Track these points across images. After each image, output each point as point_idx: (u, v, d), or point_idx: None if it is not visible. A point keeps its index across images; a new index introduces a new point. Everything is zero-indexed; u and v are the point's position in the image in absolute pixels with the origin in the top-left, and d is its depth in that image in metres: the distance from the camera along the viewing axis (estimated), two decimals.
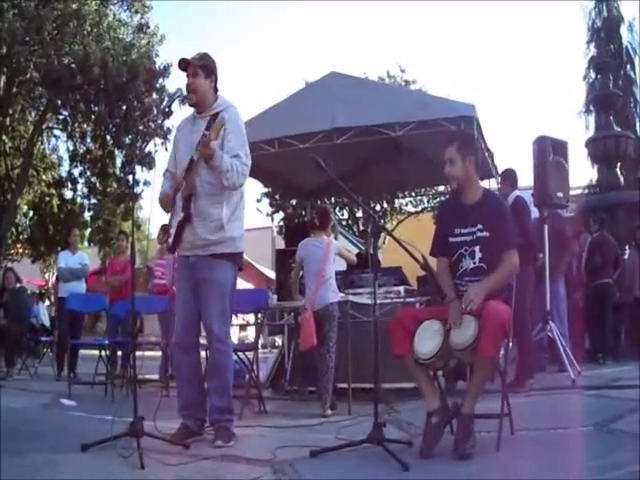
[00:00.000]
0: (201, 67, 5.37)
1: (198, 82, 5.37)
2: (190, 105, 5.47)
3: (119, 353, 10.58)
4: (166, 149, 22.66)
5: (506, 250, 4.78)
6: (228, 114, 5.34)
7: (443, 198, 6.77)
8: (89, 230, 25.39)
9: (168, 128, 22.68)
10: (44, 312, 16.72)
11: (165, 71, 23.35)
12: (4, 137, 24.09)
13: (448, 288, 4.82)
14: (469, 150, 4.98)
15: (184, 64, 5.39)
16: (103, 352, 9.42)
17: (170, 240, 5.48)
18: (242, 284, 5.79)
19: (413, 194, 22.44)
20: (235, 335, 8.87)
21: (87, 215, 25.22)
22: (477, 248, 4.82)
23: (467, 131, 8.58)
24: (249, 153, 5.42)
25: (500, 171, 9.70)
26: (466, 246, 4.88)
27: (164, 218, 5.72)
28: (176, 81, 24.32)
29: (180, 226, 5.34)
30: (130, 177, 22.77)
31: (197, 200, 5.27)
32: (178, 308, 5.50)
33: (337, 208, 24.80)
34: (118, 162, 24.68)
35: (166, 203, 5.48)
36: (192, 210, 5.26)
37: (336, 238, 8.29)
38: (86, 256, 12.64)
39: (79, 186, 25.38)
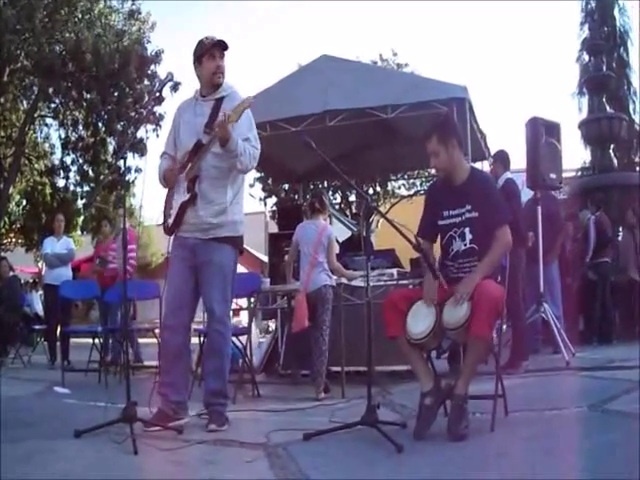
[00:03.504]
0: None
1: (224, 66, 5.40)
2: (216, 84, 5.42)
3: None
4: (157, 136, 22.69)
5: (498, 227, 4.75)
6: (236, 99, 5.31)
7: (434, 179, 6.83)
8: (82, 218, 25.31)
9: (160, 114, 22.66)
10: (37, 301, 16.70)
11: (157, 57, 23.30)
12: None
13: (429, 267, 4.80)
14: (449, 135, 4.93)
15: (223, 46, 5.39)
16: (97, 339, 9.39)
17: (170, 221, 5.45)
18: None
19: (406, 177, 22.41)
20: None
21: (80, 203, 25.17)
22: (467, 229, 4.81)
23: (442, 114, 8.56)
24: (258, 137, 5.43)
25: (493, 153, 9.68)
26: (455, 228, 4.86)
27: (156, 205, 5.70)
28: (167, 67, 24.24)
29: (183, 207, 5.31)
30: (121, 164, 22.73)
31: (202, 183, 5.25)
32: (170, 290, 5.45)
33: (330, 191, 24.80)
34: (110, 149, 24.63)
35: (170, 177, 5.44)
36: (197, 191, 5.25)
37: (331, 223, 8.29)
38: (71, 241, 12.60)
39: (71, 174, 25.34)
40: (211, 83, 5.43)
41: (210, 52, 5.35)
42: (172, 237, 5.53)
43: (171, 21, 74.22)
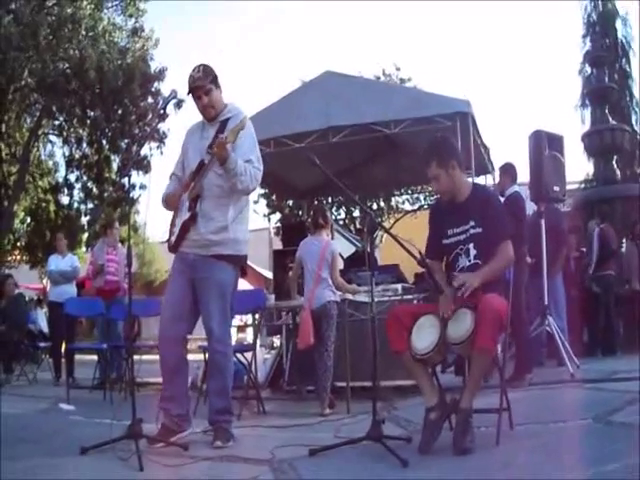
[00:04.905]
0: (211, 82, 5.39)
1: (214, 98, 5.42)
2: (209, 120, 5.48)
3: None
4: (161, 153, 22.74)
5: (500, 242, 4.76)
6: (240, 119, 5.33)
7: (437, 196, 6.76)
8: (86, 235, 25.29)
9: (164, 131, 22.70)
10: (42, 318, 16.69)
11: (160, 74, 23.32)
12: (0, 144, 24.04)
13: (442, 282, 4.81)
14: (449, 157, 4.92)
15: (197, 90, 5.38)
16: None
17: (173, 239, 5.47)
18: (240, 284, 5.76)
19: (410, 192, 22.42)
20: (233, 337, 8.93)
21: (84, 220, 25.17)
22: (471, 245, 4.81)
23: (439, 134, 8.56)
24: (261, 158, 5.43)
25: (498, 166, 9.68)
26: (461, 245, 4.87)
27: (160, 222, 5.73)
28: (171, 85, 24.27)
29: (185, 225, 5.34)
30: (125, 181, 22.73)
31: (204, 202, 5.28)
32: (169, 301, 5.47)
33: (334, 207, 24.81)
34: (114, 166, 24.65)
35: (172, 202, 5.49)
36: (198, 211, 5.27)
37: (333, 237, 8.29)
38: (76, 259, 12.60)
39: (75, 191, 25.30)
40: (205, 118, 5.51)
41: (193, 94, 5.40)
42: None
43: (174, 38, 74.50)
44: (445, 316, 4.55)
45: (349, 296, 7.76)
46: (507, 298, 4.84)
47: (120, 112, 22.88)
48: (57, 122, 24.85)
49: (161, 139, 22.75)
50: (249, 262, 5.75)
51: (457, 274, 4.72)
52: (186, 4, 71.43)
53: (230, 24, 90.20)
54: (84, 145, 24.89)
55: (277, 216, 25.69)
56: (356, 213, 25.99)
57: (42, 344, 13.81)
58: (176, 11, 68.59)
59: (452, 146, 5.28)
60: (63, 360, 11.37)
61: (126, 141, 23.33)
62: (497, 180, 9.33)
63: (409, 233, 5.20)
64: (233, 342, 6.23)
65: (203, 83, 5.34)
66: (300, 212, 17.35)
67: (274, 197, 23.53)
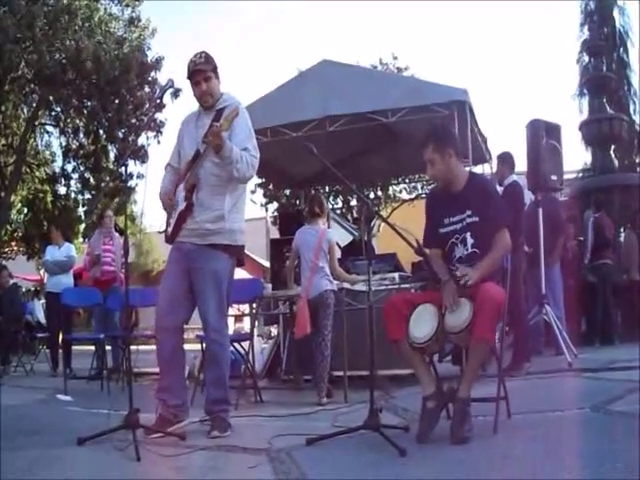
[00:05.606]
0: (211, 70, 5.39)
1: (212, 85, 5.41)
2: (206, 108, 5.47)
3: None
4: (159, 142, 22.68)
5: (498, 230, 4.75)
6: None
7: (433, 185, 6.65)
8: (83, 225, 25.25)
9: (161, 121, 22.65)
10: (39, 309, 16.71)
11: (157, 64, 23.21)
12: None
13: (442, 271, 4.79)
14: (446, 143, 4.89)
15: (198, 74, 5.37)
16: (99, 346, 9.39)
17: (169, 229, 5.46)
18: (237, 273, 5.75)
19: (407, 181, 22.39)
20: (231, 326, 8.94)
21: (81, 210, 25.12)
22: (468, 235, 4.79)
23: (439, 120, 8.52)
24: (257, 146, 5.41)
25: (495, 155, 9.65)
26: (457, 234, 4.85)
27: (158, 212, 5.71)
28: (168, 74, 24.19)
29: (181, 216, 5.33)
30: (122, 171, 22.69)
31: (200, 191, 5.26)
32: (164, 290, 5.45)
33: (331, 197, 24.78)
34: (111, 156, 24.60)
35: (167, 203, 5.47)
36: (194, 200, 5.25)
37: (329, 226, 8.26)
38: (73, 248, 12.57)
39: (73, 182, 25.24)
40: (201, 105, 5.49)
41: (193, 78, 5.39)
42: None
43: (171, 27, 74.35)
44: (449, 307, 4.53)
45: (346, 285, 7.76)
46: (505, 287, 4.84)
47: (117, 102, 22.76)
48: (54, 112, 24.76)
49: (158, 128, 22.68)
50: (247, 251, 5.73)
51: (459, 266, 4.70)
52: None
53: (227, 13, 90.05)
54: (81, 135, 24.83)
55: (274, 205, 25.72)
56: (353, 202, 25.99)
57: (39, 334, 13.84)
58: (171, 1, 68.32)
59: (451, 134, 5.27)
60: (60, 351, 11.37)
61: (123, 131, 23.27)
62: (495, 169, 9.31)
63: (406, 222, 5.18)
64: (230, 332, 6.22)
65: (205, 68, 5.34)
66: (297, 201, 17.30)
67: (271, 186, 23.52)
